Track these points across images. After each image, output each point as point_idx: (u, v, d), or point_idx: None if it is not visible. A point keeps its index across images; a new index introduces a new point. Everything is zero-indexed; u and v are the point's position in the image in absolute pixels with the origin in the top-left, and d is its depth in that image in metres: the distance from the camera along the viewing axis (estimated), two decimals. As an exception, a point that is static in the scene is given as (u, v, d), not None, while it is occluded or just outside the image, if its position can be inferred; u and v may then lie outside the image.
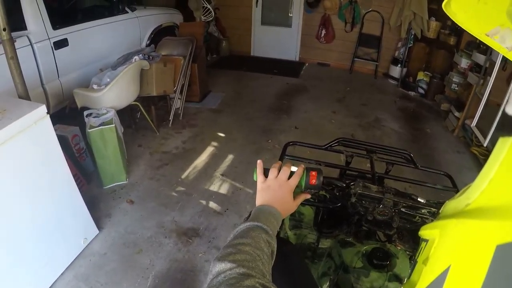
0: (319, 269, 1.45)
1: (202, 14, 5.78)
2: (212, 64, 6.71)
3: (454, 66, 4.99)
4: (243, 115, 4.85)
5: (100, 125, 2.97)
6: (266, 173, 1.01)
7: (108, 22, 4.19)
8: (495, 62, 3.48)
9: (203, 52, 5.07)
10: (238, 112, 4.96)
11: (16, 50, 2.09)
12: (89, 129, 2.93)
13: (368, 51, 6.56)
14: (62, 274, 2.36)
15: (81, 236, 2.54)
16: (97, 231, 2.69)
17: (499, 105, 3.39)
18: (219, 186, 3.40)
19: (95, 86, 3.43)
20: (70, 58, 3.65)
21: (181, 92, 4.50)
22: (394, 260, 1.21)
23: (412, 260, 1.37)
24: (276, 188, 0.96)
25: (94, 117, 3.02)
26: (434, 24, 5.49)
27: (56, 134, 2.14)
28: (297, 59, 7.29)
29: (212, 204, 3.14)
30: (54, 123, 2.11)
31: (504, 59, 3.35)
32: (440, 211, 0.61)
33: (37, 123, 1.95)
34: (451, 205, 0.53)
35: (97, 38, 4.04)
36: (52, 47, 3.40)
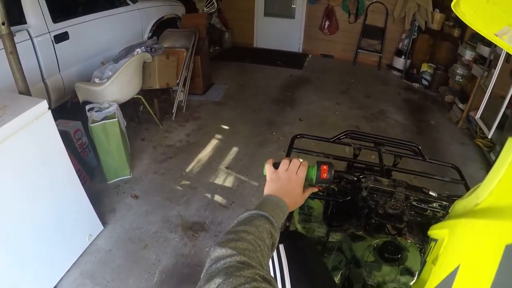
0: (329, 263, 1.43)
1: (204, 6, 5.74)
2: (214, 56, 6.66)
3: (458, 58, 4.96)
4: (246, 108, 4.83)
5: (102, 119, 2.94)
6: (276, 166, 0.98)
7: (109, 15, 4.14)
8: (500, 55, 3.46)
9: (206, 44, 5.02)
10: (242, 104, 4.93)
11: (16, 44, 2.06)
12: (92, 123, 2.90)
13: (372, 43, 6.49)
14: (67, 271, 2.35)
15: (86, 233, 2.52)
16: (102, 227, 2.68)
17: (503, 97, 3.37)
18: (224, 179, 3.38)
19: (97, 80, 3.39)
20: (71, 51, 3.60)
21: (184, 85, 4.48)
22: (405, 253, 1.19)
23: (422, 253, 1.37)
24: (285, 179, 0.94)
25: (96, 111, 2.99)
26: (438, 15, 5.43)
27: (58, 130, 2.11)
28: (301, 50, 7.23)
29: (218, 198, 3.13)
30: (55, 118, 2.08)
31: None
32: (449, 210, 0.60)
33: (39, 119, 1.92)
34: (460, 205, 0.53)
35: (98, 30, 3.99)
36: (52, 40, 3.36)
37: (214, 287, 0.56)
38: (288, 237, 0.85)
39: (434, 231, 0.57)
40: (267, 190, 0.95)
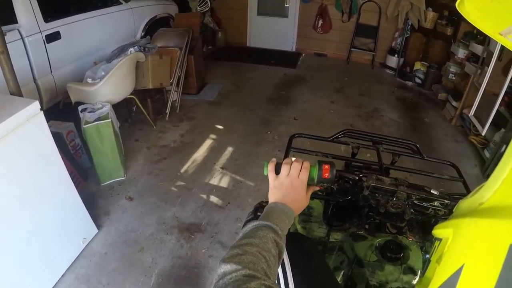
0: (331, 263, 1.42)
1: (197, 5, 5.70)
2: (208, 56, 6.62)
3: (451, 56, 4.99)
4: (241, 107, 4.80)
5: (95, 120, 2.90)
6: (278, 168, 0.97)
7: (101, 14, 4.08)
8: (493, 53, 3.48)
9: (199, 44, 5.00)
10: (236, 103, 4.90)
11: (7, 44, 2.00)
12: (85, 124, 2.85)
13: (365, 41, 6.51)
14: (62, 276, 2.31)
15: (80, 236, 2.48)
16: (97, 230, 2.64)
17: (496, 95, 3.41)
18: (220, 179, 3.36)
19: (89, 80, 3.35)
20: (63, 51, 3.55)
21: (177, 85, 4.44)
22: (407, 252, 1.19)
23: (424, 251, 1.34)
24: (288, 185, 0.94)
25: (89, 112, 2.95)
26: (431, 14, 5.46)
27: (50, 131, 2.07)
28: (294, 49, 7.22)
29: (213, 198, 3.10)
30: (47, 120, 2.04)
31: (501, 49, 3.36)
32: (452, 209, 0.60)
33: (30, 120, 1.88)
34: (464, 204, 0.53)
35: (91, 30, 3.93)
36: (44, 40, 3.30)
37: None
38: (290, 240, 0.85)
39: (438, 231, 0.57)
40: (271, 197, 0.95)
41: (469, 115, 3.95)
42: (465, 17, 0.68)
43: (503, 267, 0.32)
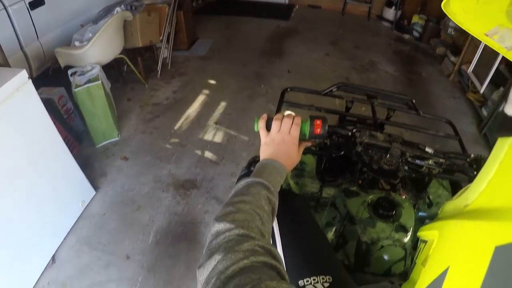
0: (323, 219, 1.43)
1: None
2: (198, 11, 6.39)
3: (451, 10, 4.83)
4: (233, 61, 4.71)
5: (86, 83, 2.85)
6: (269, 123, 0.95)
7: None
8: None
9: (188, -2, 4.83)
10: (229, 58, 4.81)
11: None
12: (75, 88, 2.81)
13: (361, -8, 6.29)
14: (64, 239, 2.36)
15: (79, 199, 2.51)
16: (94, 192, 2.66)
17: (495, 53, 3.33)
18: (214, 135, 3.36)
19: (77, 43, 3.25)
20: (48, 17, 3.39)
21: (167, 41, 4.33)
22: (399, 209, 1.19)
23: (416, 209, 1.35)
24: (279, 141, 0.92)
25: (79, 75, 2.90)
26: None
27: (41, 98, 2.04)
28: (287, 1, 6.97)
29: (208, 154, 3.12)
30: (38, 87, 2.00)
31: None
32: (438, 212, 0.61)
33: (19, 89, 1.84)
34: (450, 206, 0.54)
35: (75, -8, 3.76)
36: (27, 7, 3.15)
37: (214, 263, 0.56)
38: (279, 197, 0.85)
39: (424, 233, 0.58)
40: (263, 154, 0.94)
41: (468, 71, 3.89)
42: (451, 18, 0.69)
43: (488, 269, 0.33)
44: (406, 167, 1.15)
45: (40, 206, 2.13)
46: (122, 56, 3.55)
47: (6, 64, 2.06)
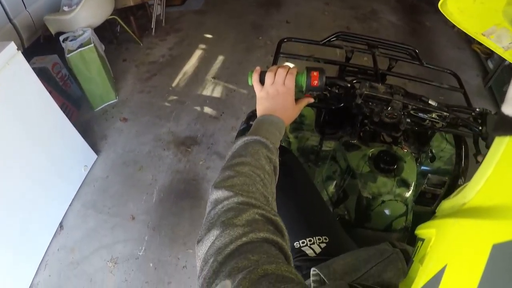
0: (323, 173, 1.41)
1: None
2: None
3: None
4: (230, 13, 4.54)
5: (78, 47, 2.78)
6: (262, 76, 0.90)
7: None
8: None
9: None
10: (225, 10, 4.62)
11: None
12: (68, 54, 2.75)
13: None
14: (70, 205, 2.39)
15: (81, 164, 2.51)
16: (96, 156, 2.66)
17: None
18: (212, 89, 3.30)
19: (66, 8, 3.15)
20: (34, -17, 3.29)
21: (160, -4, 4.17)
22: (401, 164, 1.15)
23: (418, 163, 1.32)
24: (274, 94, 0.88)
25: (70, 40, 2.83)
26: None
27: (35, 67, 2.02)
28: None
29: (207, 109, 3.08)
30: (31, 57, 1.96)
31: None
32: (436, 210, 0.59)
33: (10, 62, 1.80)
34: (447, 205, 0.53)
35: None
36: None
37: (212, 239, 0.53)
38: None
39: (421, 231, 0.58)
40: (259, 109, 0.90)
41: (474, 21, 3.68)
42: (448, 18, 0.70)
43: (485, 268, 0.32)
44: (408, 120, 1.10)
45: (43, 176, 2.14)
46: (114, 16, 3.44)
47: (-6, 38, 2.02)
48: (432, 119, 1.08)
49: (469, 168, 1.33)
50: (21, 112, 1.93)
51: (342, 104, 1.17)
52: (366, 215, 1.15)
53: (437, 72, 1.48)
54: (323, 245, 0.94)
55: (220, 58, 3.69)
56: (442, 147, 1.42)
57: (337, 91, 1.18)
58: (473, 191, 0.43)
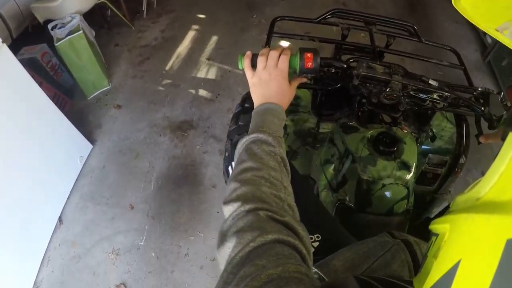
0: (321, 156, 1.37)
1: None
2: None
3: None
4: (223, -8, 4.41)
5: (67, 35, 2.69)
6: (254, 60, 0.85)
7: None
8: None
9: None
10: (217, -12, 4.49)
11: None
12: (57, 42, 2.66)
13: None
14: (68, 198, 2.37)
15: (76, 156, 2.47)
16: (91, 146, 2.62)
17: None
18: (207, 71, 3.24)
19: (53, -5, 3.07)
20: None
21: (150, -23, 4.04)
22: (401, 145, 1.12)
23: (419, 143, 1.28)
24: (267, 78, 0.83)
25: (59, 28, 2.74)
26: None
27: (24, 58, 1.95)
28: None
29: (202, 92, 3.02)
30: (19, 47, 1.88)
31: None
32: (450, 205, 0.57)
33: None
34: (461, 200, 0.53)
35: None
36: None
37: (228, 252, 0.53)
38: None
39: (435, 226, 0.58)
40: (253, 97, 0.86)
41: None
42: (461, 13, 0.70)
43: (499, 263, 0.33)
44: (407, 100, 1.06)
45: (38, 171, 2.11)
46: (103, 0, 3.34)
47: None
48: (432, 100, 1.04)
49: (470, 147, 1.30)
50: (10, 107, 1.88)
51: (338, 85, 1.13)
52: (367, 199, 1.13)
53: (436, 48, 1.42)
54: (316, 244, 0.92)
55: (214, 38, 3.61)
56: (443, 126, 1.39)
57: (333, 71, 1.13)
58: (487, 186, 0.43)
